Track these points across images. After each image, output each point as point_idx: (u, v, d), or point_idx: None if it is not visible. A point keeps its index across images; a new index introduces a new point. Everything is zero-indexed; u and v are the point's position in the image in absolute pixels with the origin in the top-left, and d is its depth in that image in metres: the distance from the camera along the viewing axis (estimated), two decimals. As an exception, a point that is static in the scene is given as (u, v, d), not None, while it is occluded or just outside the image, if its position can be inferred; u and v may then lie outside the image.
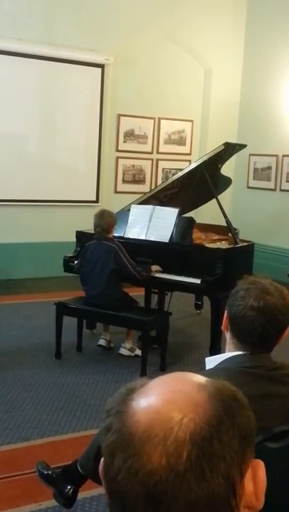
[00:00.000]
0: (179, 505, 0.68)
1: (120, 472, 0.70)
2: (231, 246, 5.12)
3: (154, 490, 0.68)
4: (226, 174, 5.79)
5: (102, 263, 4.77)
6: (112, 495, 0.72)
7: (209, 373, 1.71)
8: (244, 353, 1.79)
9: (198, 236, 5.38)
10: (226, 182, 5.83)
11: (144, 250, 5.04)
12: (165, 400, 0.73)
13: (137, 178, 8.48)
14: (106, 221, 4.85)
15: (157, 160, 8.59)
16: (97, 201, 8.07)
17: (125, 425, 0.72)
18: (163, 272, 4.92)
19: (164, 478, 0.68)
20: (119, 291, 4.92)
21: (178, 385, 0.77)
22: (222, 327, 1.89)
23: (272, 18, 8.38)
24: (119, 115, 8.21)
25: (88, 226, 5.25)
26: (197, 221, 5.34)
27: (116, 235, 5.03)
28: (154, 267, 4.91)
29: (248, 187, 8.86)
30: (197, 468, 0.69)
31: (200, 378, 0.79)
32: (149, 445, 0.69)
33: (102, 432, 0.76)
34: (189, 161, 8.12)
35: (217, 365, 1.81)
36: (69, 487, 2.72)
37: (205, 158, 5.39)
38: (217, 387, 0.76)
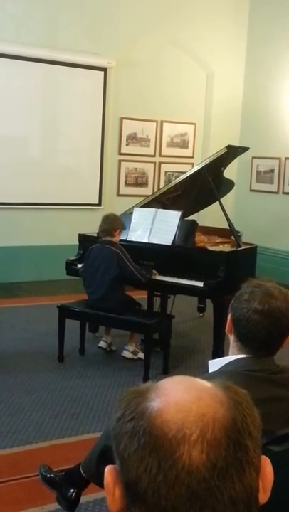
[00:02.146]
0: (223, 502, 0.68)
1: (158, 475, 0.68)
2: (234, 249, 5.11)
3: (198, 488, 0.67)
4: (228, 177, 5.79)
5: (105, 267, 4.77)
6: (144, 501, 0.69)
7: (212, 376, 1.70)
8: (247, 356, 1.79)
9: (200, 239, 5.38)
10: (229, 185, 5.82)
11: (146, 253, 5.03)
12: (192, 397, 0.73)
13: (140, 181, 8.49)
14: (109, 223, 4.85)
15: (160, 163, 8.60)
16: (99, 204, 8.08)
17: (155, 426, 0.70)
18: (166, 274, 4.92)
19: (207, 475, 0.68)
20: (121, 295, 4.91)
21: (195, 384, 0.77)
22: (226, 330, 1.89)
23: (273, 21, 8.39)
24: (122, 118, 8.21)
25: (91, 229, 5.25)
26: (200, 224, 5.34)
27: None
28: (153, 271, 4.92)
29: (251, 190, 8.86)
30: (237, 462, 0.70)
31: (204, 380, 0.79)
32: (186, 444, 0.69)
33: (121, 438, 0.73)
34: (192, 164, 8.12)
35: (220, 368, 1.81)
36: (72, 490, 2.72)
37: (207, 161, 5.38)
38: (227, 385, 0.77)
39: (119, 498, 0.74)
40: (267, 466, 0.76)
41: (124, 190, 8.33)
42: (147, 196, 5.93)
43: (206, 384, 0.77)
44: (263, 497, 0.75)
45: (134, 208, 5.37)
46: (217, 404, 0.72)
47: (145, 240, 5.10)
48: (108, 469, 0.76)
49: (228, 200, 6.48)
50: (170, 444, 0.69)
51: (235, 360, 1.80)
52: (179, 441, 0.69)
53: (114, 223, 4.89)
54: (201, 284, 4.73)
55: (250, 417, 0.73)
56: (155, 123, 8.47)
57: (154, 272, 4.92)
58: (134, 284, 5.02)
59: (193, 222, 5.14)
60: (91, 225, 5.17)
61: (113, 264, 4.72)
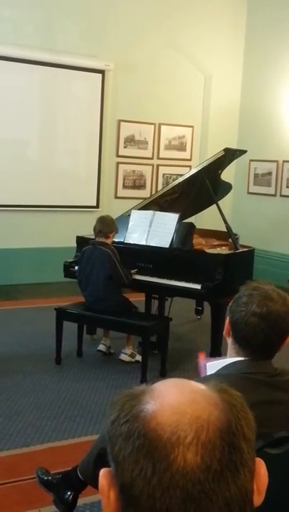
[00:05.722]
0: (218, 504, 0.68)
1: (153, 477, 0.68)
2: (231, 251, 5.11)
3: (193, 491, 0.67)
4: (226, 180, 5.80)
5: (98, 268, 4.77)
6: (139, 504, 0.69)
7: (208, 378, 1.71)
8: (245, 359, 1.79)
9: (198, 241, 5.39)
10: (226, 187, 5.83)
11: (144, 256, 5.04)
12: (187, 400, 0.73)
13: (138, 184, 8.49)
14: (107, 225, 4.87)
15: (158, 165, 8.60)
16: (97, 206, 8.08)
17: (149, 429, 0.70)
18: (163, 277, 4.92)
19: (202, 477, 0.68)
20: (118, 296, 4.91)
21: (189, 386, 0.77)
22: (224, 333, 1.89)
23: (271, 24, 8.41)
24: (120, 121, 8.22)
25: (89, 231, 5.25)
26: (197, 226, 5.34)
27: (116, 240, 5.03)
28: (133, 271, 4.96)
29: (249, 192, 8.87)
30: (231, 464, 0.70)
31: (199, 382, 0.79)
32: (181, 446, 0.68)
33: (116, 440, 0.73)
34: (190, 166, 8.13)
35: (218, 370, 1.81)
36: (69, 493, 2.72)
37: (205, 163, 5.39)
38: (222, 387, 0.77)
39: (114, 500, 0.74)
40: (261, 468, 0.76)
41: (122, 192, 8.33)
42: (145, 199, 5.94)
43: (201, 386, 0.77)
44: (258, 499, 0.75)
45: (132, 211, 5.37)
46: (211, 407, 0.72)
47: (143, 243, 5.10)
48: (103, 472, 0.76)
49: (225, 202, 6.49)
50: (164, 446, 0.69)
51: (232, 362, 1.80)
52: (173, 443, 0.69)
53: (112, 226, 4.90)
54: (198, 286, 4.73)
55: (244, 420, 0.74)
56: (153, 125, 8.47)
57: (133, 271, 4.93)
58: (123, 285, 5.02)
59: (191, 225, 5.14)
60: (89, 227, 5.16)
61: (105, 264, 4.73)
